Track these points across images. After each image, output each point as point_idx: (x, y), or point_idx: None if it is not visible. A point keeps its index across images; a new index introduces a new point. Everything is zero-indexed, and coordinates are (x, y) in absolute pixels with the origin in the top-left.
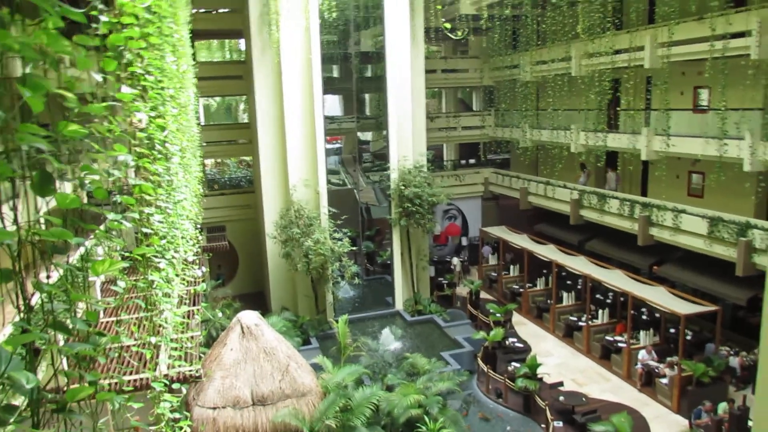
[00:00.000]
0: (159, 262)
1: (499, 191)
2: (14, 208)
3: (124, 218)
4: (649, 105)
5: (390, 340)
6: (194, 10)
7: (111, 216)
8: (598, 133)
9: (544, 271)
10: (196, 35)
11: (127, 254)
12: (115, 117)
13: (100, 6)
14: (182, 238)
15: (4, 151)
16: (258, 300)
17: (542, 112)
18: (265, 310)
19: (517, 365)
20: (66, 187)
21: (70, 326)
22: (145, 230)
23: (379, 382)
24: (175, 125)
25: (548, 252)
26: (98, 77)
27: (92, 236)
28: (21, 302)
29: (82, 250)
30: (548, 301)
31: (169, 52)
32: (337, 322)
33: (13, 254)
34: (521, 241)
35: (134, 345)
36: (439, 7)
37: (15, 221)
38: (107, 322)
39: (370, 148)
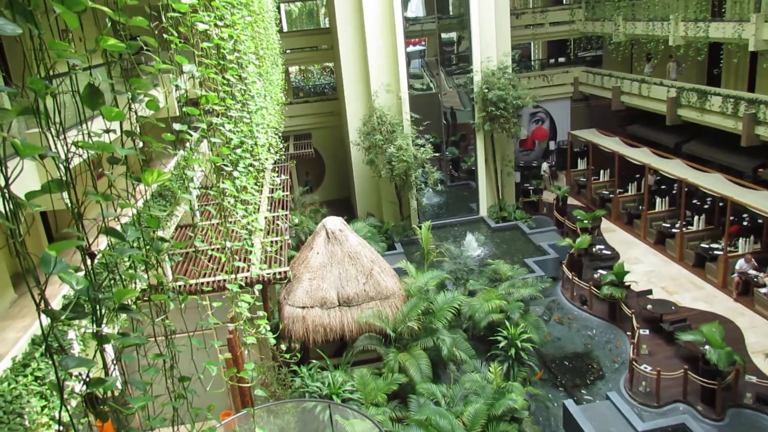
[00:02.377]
0: (231, 171)
1: (590, 91)
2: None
3: (189, 128)
4: None
5: (473, 246)
6: None
7: (177, 126)
8: (699, 23)
9: (637, 175)
10: None
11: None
12: (177, 28)
13: None
14: (261, 146)
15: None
16: (344, 206)
17: (637, 2)
18: (351, 216)
19: (604, 272)
20: (121, 102)
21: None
22: (214, 140)
23: (461, 287)
24: (248, 33)
25: (641, 155)
26: None
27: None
28: (73, 211)
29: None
30: (640, 207)
31: None
32: (420, 228)
33: (64, 165)
34: (612, 144)
35: (210, 249)
36: None
37: (59, 135)
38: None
39: (454, 50)
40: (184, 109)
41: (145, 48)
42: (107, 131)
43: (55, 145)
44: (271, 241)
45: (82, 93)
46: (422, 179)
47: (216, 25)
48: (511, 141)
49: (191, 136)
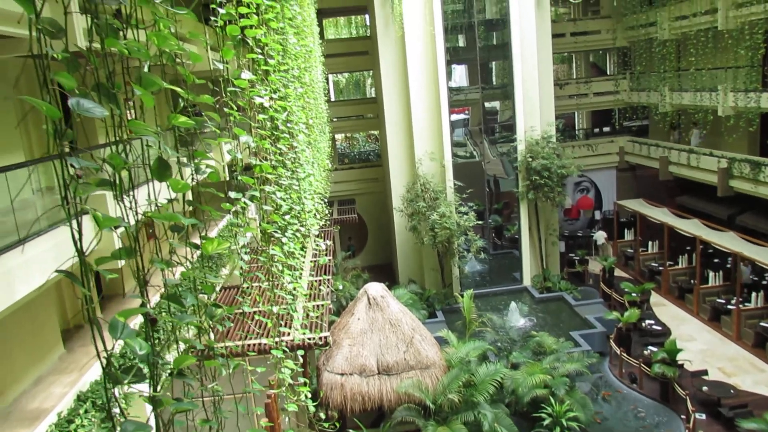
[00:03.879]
0: (280, 237)
1: (636, 161)
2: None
3: (244, 197)
4: None
5: (516, 317)
6: None
7: (233, 195)
8: (750, 93)
9: (687, 248)
10: (322, 14)
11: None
12: (236, 102)
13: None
14: (308, 212)
15: (120, 141)
16: (386, 271)
17: (683, 72)
18: (392, 282)
19: (655, 349)
20: (185, 173)
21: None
22: (266, 207)
23: (504, 359)
24: (299, 104)
25: (692, 227)
26: (220, 66)
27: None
28: (139, 278)
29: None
30: (692, 281)
31: (292, 34)
32: (462, 296)
33: (132, 234)
34: (661, 215)
35: (257, 313)
36: None
37: (133, 207)
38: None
39: (497, 119)
40: (239, 177)
41: (209, 123)
42: (170, 201)
43: (128, 215)
44: (314, 306)
45: (152, 166)
46: (465, 247)
47: (271, 98)
48: (555, 210)
49: (247, 205)
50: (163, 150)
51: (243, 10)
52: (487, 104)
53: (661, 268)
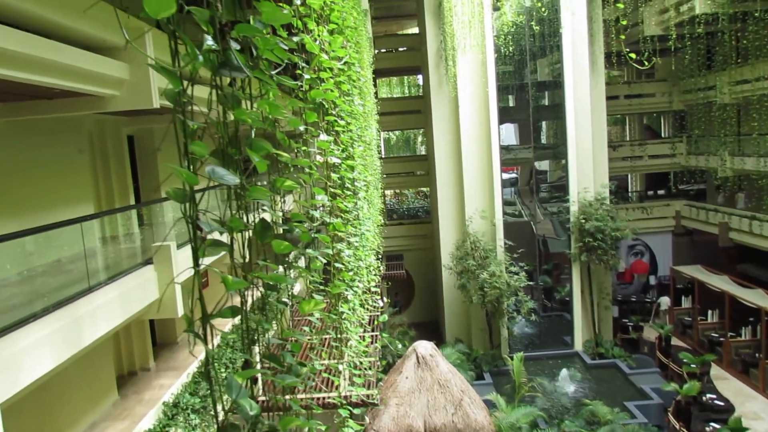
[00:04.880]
0: (347, 294)
1: (694, 226)
2: (243, 255)
3: (318, 255)
4: None
5: (568, 383)
6: (376, 51)
7: (309, 252)
8: None
9: (751, 318)
10: (377, 74)
11: (322, 288)
12: (314, 162)
13: (303, 65)
14: (366, 268)
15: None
16: (432, 329)
17: (745, 137)
18: (439, 341)
19: (717, 426)
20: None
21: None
22: (337, 265)
23: (555, 427)
24: (361, 162)
25: (756, 297)
26: (301, 128)
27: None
28: (246, 339)
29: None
30: (757, 354)
31: (356, 95)
32: (511, 358)
33: (243, 294)
34: (721, 283)
35: (324, 371)
36: (622, 37)
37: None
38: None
39: (547, 178)
40: (316, 236)
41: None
42: (265, 259)
43: (241, 276)
44: (369, 364)
45: (255, 227)
46: (515, 307)
47: (342, 160)
48: (608, 273)
49: (322, 262)
50: (271, 213)
51: (324, 75)
52: (537, 163)
53: (722, 339)
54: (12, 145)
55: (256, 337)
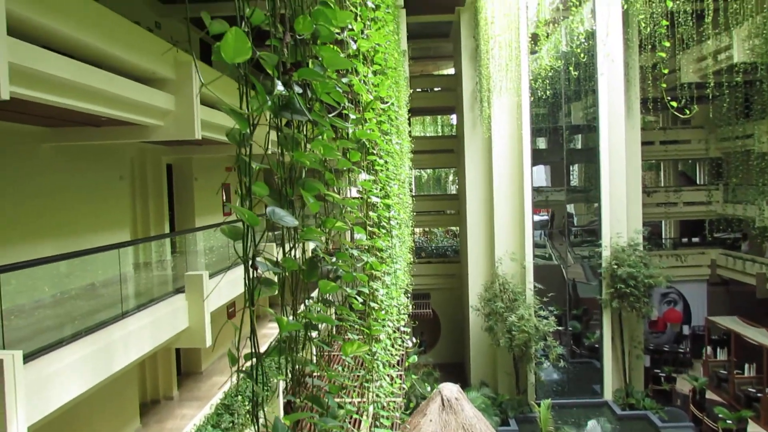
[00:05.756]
0: (380, 334)
1: (730, 275)
2: (295, 299)
3: (356, 295)
4: None
5: None
6: (411, 90)
7: (349, 291)
8: None
9: None
10: (412, 112)
11: (360, 328)
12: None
13: (350, 105)
14: (396, 307)
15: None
16: (457, 371)
17: None
18: (463, 383)
19: None
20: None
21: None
22: (372, 305)
23: None
24: (396, 201)
25: None
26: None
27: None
28: (292, 382)
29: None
30: None
31: (394, 133)
32: (538, 405)
33: (289, 338)
34: (759, 335)
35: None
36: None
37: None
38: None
39: (574, 222)
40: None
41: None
42: (317, 301)
43: (292, 317)
44: (395, 404)
45: (304, 266)
46: (543, 353)
47: (378, 196)
48: (641, 321)
49: (359, 303)
50: (321, 253)
51: (368, 115)
52: (569, 206)
53: (759, 394)
54: (57, 169)
55: (299, 378)
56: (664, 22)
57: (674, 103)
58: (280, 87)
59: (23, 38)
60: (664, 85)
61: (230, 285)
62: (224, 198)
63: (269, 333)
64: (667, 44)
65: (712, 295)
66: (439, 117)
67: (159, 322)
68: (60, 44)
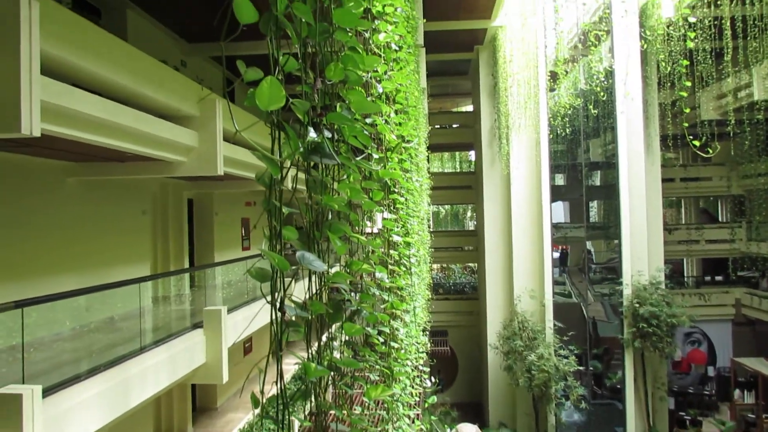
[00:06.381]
0: (400, 376)
1: (755, 315)
2: (319, 339)
3: (378, 335)
4: None
5: None
6: (430, 127)
7: (370, 331)
8: None
9: None
10: (430, 148)
11: (385, 369)
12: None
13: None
14: (415, 345)
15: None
16: (475, 410)
17: None
18: (481, 423)
19: None
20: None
21: None
22: (393, 344)
23: None
24: (416, 238)
25: None
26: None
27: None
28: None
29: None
30: None
31: (414, 171)
32: None
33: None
34: None
35: None
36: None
37: (318, 354)
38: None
39: (593, 258)
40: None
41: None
42: (332, 339)
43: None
44: None
45: (329, 309)
46: (563, 393)
47: (403, 237)
48: (664, 362)
49: (379, 341)
50: (345, 295)
51: (391, 155)
52: (589, 243)
53: None
54: (81, 202)
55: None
56: (685, 62)
57: (696, 142)
58: (312, 134)
59: (55, 76)
60: (686, 124)
61: (247, 321)
62: (243, 232)
63: (285, 368)
64: (688, 83)
65: (737, 336)
66: (457, 153)
67: (176, 358)
68: (90, 82)
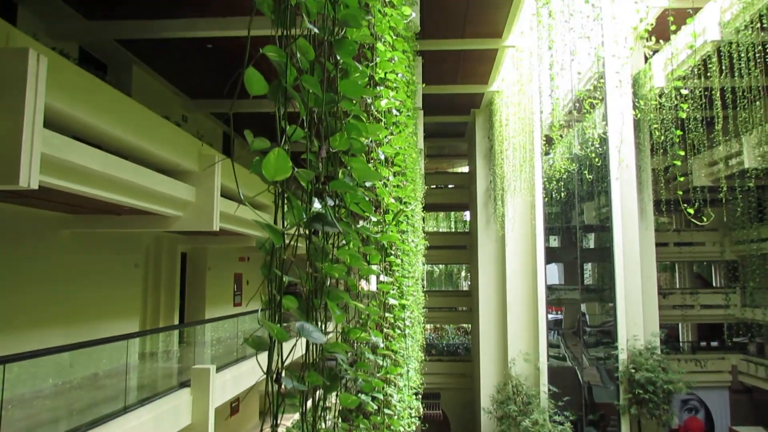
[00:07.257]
0: None
1: (753, 383)
2: (317, 409)
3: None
4: None
5: None
6: (426, 187)
7: (364, 398)
8: None
9: None
10: (425, 208)
11: None
12: (371, 301)
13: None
14: (407, 410)
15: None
16: None
17: None
18: None
19: None
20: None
21: None
22: (387, 411)
23: None
24: (411, 299)
25: None
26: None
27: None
28: None
29: None
30: None
31: (410, 232)
32: None
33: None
34: None
35: None
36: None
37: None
38: None
39: (588, 321)
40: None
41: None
42: (326, 409)
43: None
44: None
45: (325, 379)
46: None
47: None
48: (661, 430)
49: (373, 407)
50: (343, 365)
51: (388, 217)
52: (583, 306)
53: None
54: (74, 254)
55: None
56: (678, 132)
57: (691, 210)
58: (317, 205)
59: (57, 128)
60: (680, 192)
61: (236, 380)
62: (235, 288)
63: None
64: (681, 153)
65: (734, 403)
66: (452, 213)
67: (161, 418)
68: (92, 135)
